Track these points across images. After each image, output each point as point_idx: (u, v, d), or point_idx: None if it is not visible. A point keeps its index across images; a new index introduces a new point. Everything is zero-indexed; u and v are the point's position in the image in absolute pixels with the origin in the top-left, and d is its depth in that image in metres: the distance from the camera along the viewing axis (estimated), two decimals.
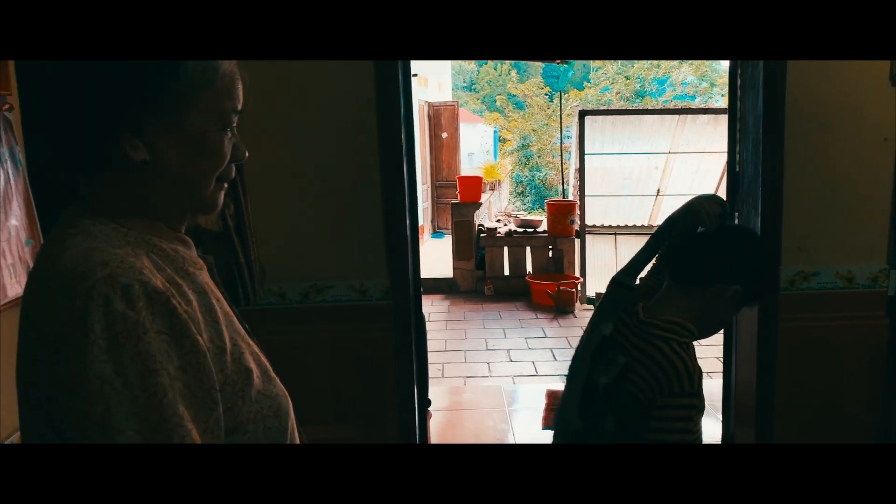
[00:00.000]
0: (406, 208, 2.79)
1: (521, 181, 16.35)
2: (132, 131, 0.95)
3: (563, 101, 12.37)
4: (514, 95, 18.78)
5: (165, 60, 0.95)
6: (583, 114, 7.96)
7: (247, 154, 1.05)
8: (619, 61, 17.16)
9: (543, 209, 9.66)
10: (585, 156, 7.69)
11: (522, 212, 12.36)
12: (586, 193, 7.64)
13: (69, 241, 0.93)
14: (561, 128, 10.42)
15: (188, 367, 0.88)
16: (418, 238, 2.92)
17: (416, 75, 8.98)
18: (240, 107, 1.03)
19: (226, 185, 1.06)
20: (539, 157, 16.24)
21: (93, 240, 0.92)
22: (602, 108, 14.07)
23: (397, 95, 2.72)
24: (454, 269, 7.78)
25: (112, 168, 0.97)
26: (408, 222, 2.81)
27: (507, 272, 7.60)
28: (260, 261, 2.64)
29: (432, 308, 7.06)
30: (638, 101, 17.03)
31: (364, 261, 2.78)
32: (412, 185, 2.89)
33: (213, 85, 0.99)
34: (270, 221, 2.73)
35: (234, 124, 1.04)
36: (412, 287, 2.91)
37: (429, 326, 5.52)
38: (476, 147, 15.60)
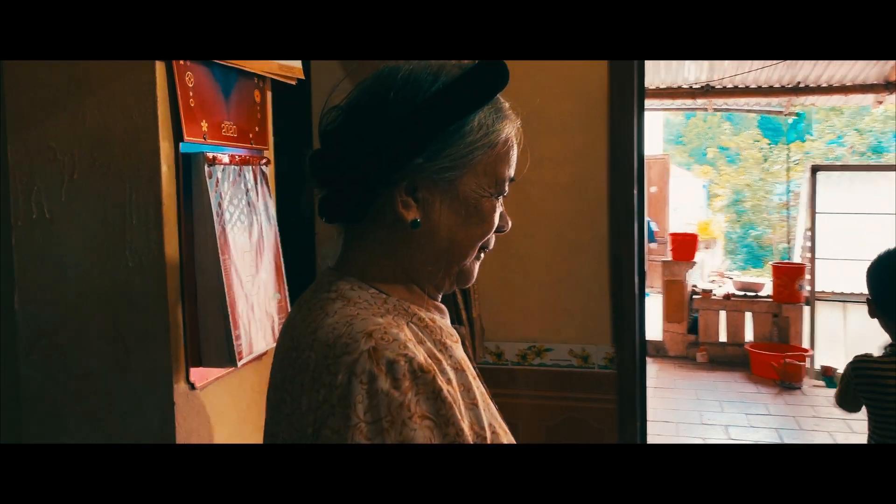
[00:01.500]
0: (635, 269, 2.56)
1: (733, 239, 15.34)
2: (406, 187, 0.87)
3: (788, 154, 11.50)
4: (726, 148, 17.82)
5: (452, 115, 0.87)
6: (815, 168, 7.26)
7: (510, 224, 0.95)
8: (847, 113, 15.74)
9: (758, 269, 8.90)
10: (818, 215, 6.97)
11: (735, 272, 11.54)
12: (817, 256, 6.90)
13: (329, 307, 0.85)
14: (788, 183, 9.64)
15: None
16: (645, 303, 2.67)
17: None
18: (513, 174, 0.93)
19: (482, 256, 0.96)
20: (753, 213, 15.18)
21: (353, 306, 0.84)
22: (832, 162, 12.90)
23: (632, 147, 2.53)
24: (663, 331, 7.32)
25: (381, 225, 0.89)
26: (636, 284, 2.58)
27: (722, 338, 7.02)
28: (480, 318, 2.53)
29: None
30: (876, 156, 15.44)
31: (587, 324, 2.58)
32: (640, 245, 2.67)
33: (494, 147, 0.89)
34: (490, 277, 2.62)
35: (506, 193, 0.93)
36: (638, 355, 2.66)
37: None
38: (683, 202, 14.93)
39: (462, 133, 0.88)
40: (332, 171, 0.90)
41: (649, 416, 5.40)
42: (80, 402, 1.16)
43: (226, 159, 1.24)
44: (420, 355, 0.79)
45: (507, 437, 0.91)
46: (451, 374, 0.85)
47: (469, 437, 0.80)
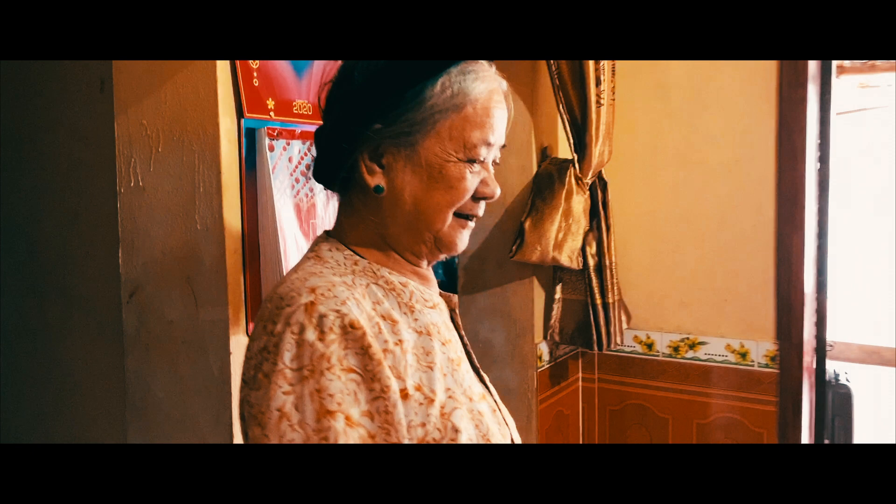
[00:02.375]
0: (804, 256, 2.29)
1: None
2: (371, 153, 0.90)
3: None
4: None
5: (407, 81, 0.89)
6: None
7: (497, 193, 0.93)
8: None
9: None
10: None
11: None
12: None
13: (302, 265, 0.91)
14: None
15: (375, 413, 0.78)
16: (826, 293, 2.38)
17: None
18: (494, 140, 0.91)
19: (470, 223, 0.94)
20: None
21: (320, 265, 0.89)
22: None
23: (803, 122, 2.26)
24: None
25: (357, 191, 0.93)
26: (805, 273, 2.31)
27: None
28: (623, 304, 2.43)
29: (880, 385, 5.85)
30: None
31: (747, 317, 2.36)
32: (822, 233, 2.38)
33: (460, 111, 0.88)
34: (640, 262, 2.50)
35: (486, 158, 0.92)
36: (816, 357, 2.38)
37: (868, 409, 4.55)
38: None
39: (421, 98, 0.88)
40: (316, 139, 0.96)
41: (868, 435, 4.74)
42: (162, 345, 1.34)
43: (295, 134, 1.34)
44: (355, 313, 0.81)
45: (470, 407, 0.90)
46: (408, 336, 0.86)
47: (396, 394, 0.81)
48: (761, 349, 2.34)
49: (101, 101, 1.43)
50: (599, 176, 2.27)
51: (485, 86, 0.90)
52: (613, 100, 2.21)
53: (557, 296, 2.37)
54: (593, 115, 2.12)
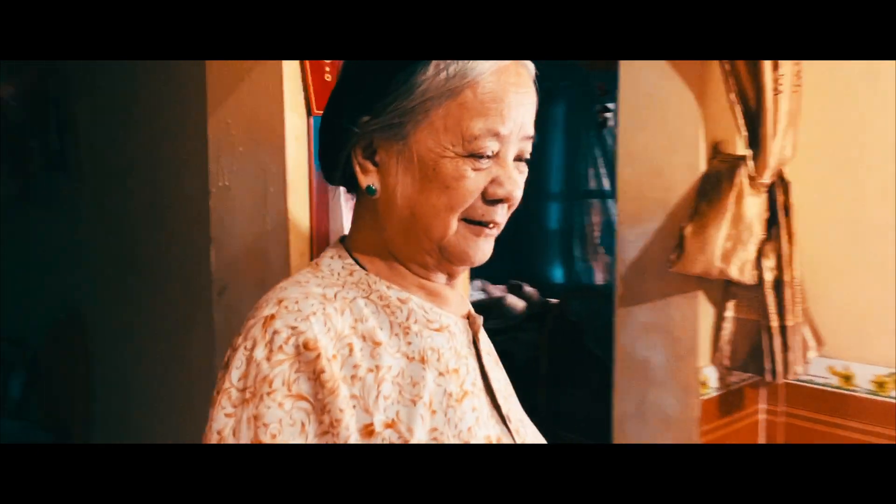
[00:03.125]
0: None
1: None
2: (365, 147, 0.79)
3: None
4: None
5: (394, 64, 0.77)
6: None
7: (514, 195, 0.77)
8: None
9: None
10: None
11: None
12: None
13: (300, 273, 0.83)
14: None
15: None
16: None
17: None
18: (507, 130, 0.74)
19: (487, 230, 0.79)
20: None
21: (312, 273, 0.80)
22: None
23: None
24: None
25: (360, 193, 0.83)
26: None
27: None
28: (812, 328, 2.05)
29: None
30: None
31: None
32: None
33: (456, 96, 0.74)
34: (836, 280, 2.10)
35: (502, 153, 0.76)
36: None
37: None
38: None
39: (412, 83, 0.75)
40: (316, 134, 0.88)
41: None
42: None
43: None
44: (316, 331, 0.71)
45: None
46: (392, 361, 0.74)
47: (349, 430, 0.70)
48: None
49: (194, 101, 1.46)
50: (781, 176, 1.93)
51: (491, 64, 0.75)
52: (798, 86, 1.86)
53: (729, 314, 2.06)
54: (769, 104, 1.80)
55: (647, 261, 2.16)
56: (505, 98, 0.75)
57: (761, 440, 2.27)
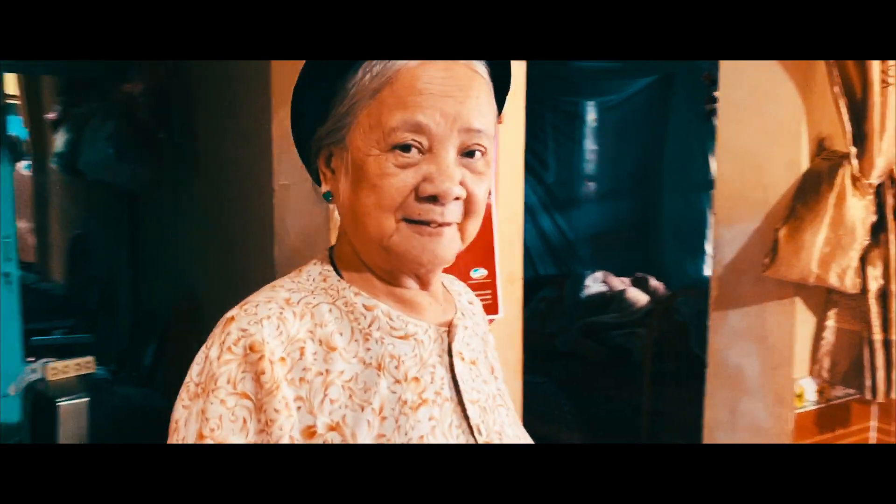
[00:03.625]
0: None
1: None
2: (326, 156, 0.82)
3: None
4: None
5: (333, 67, 0.79)
6: None
7: (447, 192, 0.73)
8: None
9: None
10: None
11: None
12: None
13: (283, 278, 0.87)
14: None
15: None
16: None
17: None
18: (433, 122, 0.73)
19: (430, 229, 0.76)
20: None
21: (290, 278, 0.84)
22: None
23: None
24: None
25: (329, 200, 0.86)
26: None
27: None
28: None
29: None
30: None
31: None
32: None
33: (379, 93, 0.76)
34: None
35: (434, 148, 0.74)
36: None
37: None
38: None
39: (346, 89, 0.76)
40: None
41: None
42: None
43: None
44: (265, 334, 0.73)
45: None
46: (345, 367, 0.76)
47: (282, 430, 0.71)
48: None
49: (260, 100, 1.53)
50: (892, 176, 1.76)
51: (414, 62, 0.75)
52: None
53: (830, 323, 1.91)
54: (876, 98, 1.65)
55: (744, 263, 2.04)
56: (425, 90, 0.73)
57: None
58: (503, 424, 0.85)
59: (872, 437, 2.09)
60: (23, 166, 5.48)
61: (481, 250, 1.44)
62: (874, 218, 1.78)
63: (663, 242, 5.51)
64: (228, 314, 0.76)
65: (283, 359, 0.73)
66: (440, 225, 0.76)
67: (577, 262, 5.44)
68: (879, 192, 1.76)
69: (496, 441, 0.82)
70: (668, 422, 2.95)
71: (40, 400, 2.29)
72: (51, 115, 4.15)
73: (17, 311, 3.05)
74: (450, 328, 0.84)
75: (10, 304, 3.03)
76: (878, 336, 1.77)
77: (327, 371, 0.75)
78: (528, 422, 3.39)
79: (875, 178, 1.73)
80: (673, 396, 2.92)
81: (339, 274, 0.82)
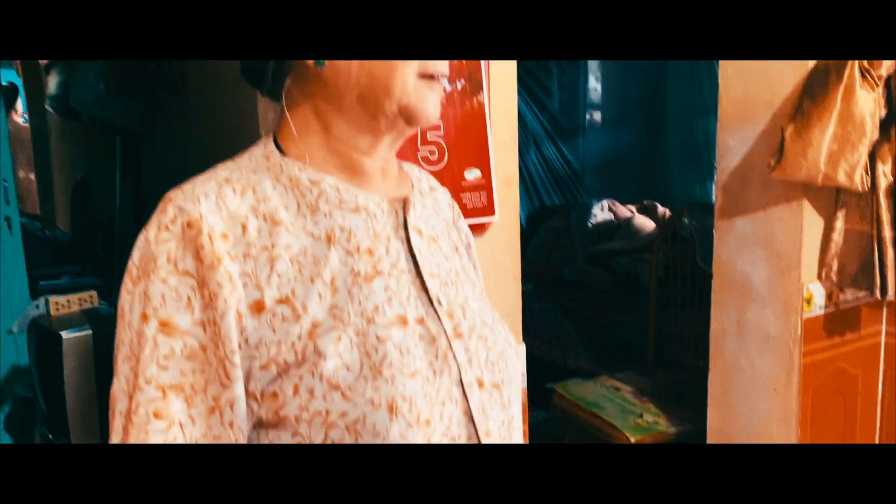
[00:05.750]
0: None
1: None
2: None
3: None
4: None
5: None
6: None
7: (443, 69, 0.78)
8: None
9: None
10: None
11: None
12: None
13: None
14: None
15: (207, 323, 0.70)
16: None
17: None
18: None
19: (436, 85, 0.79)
20: None
21: (231, 161, 0.82)
22: None
23: None
24: None
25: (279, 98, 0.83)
26: None
27: None
28: None
29: None
30: None
31: None
32: None
33: None
34: None
35: None
36: None
37: None
38: None
39: None
40: None
41: None
42: None
43: None
44: (203, 210, 0.71)
45: (369, 328, 0.72)
46: (292, 241, 0.74)
47: (227, 305, 0.69)
48: None
49: None
50: None
51: None
52: None
53: (839, 225, 1.87)
54: None
55: (750, 168, 1.99)
56: None
57: (882, 364, 2.08)
58: (467, 298, 0.83)
59: (882, 342, 2.07)
60: (21, 120, 5.43)
61: (475, 151, 1.39)
62: (883, 112, 1.71)
63: (670, 168, 5.43)
64: (166, 195, 0.74)
65: (224, 235, 0.72)
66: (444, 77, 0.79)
67: (583, 192, 5.37)
68: (889, 85, 1.70)
69: (458, 313, 0.80)
70: (675, 342, 2.93)
71: (44, 334, 2.29)
72: (43, 60, 4.07)
73: (21, 254, 3.04)
74: (405, 203, 0.82)
75: (13, 248, 3.01)
76: (887, 233, 1.73)
77: (273, 245, 0.73)
78: (535, 347, 3.38)
79: (885, 70, 1.66)
80: (679, 317, 2.90)
81: (283, 153, 0.80)
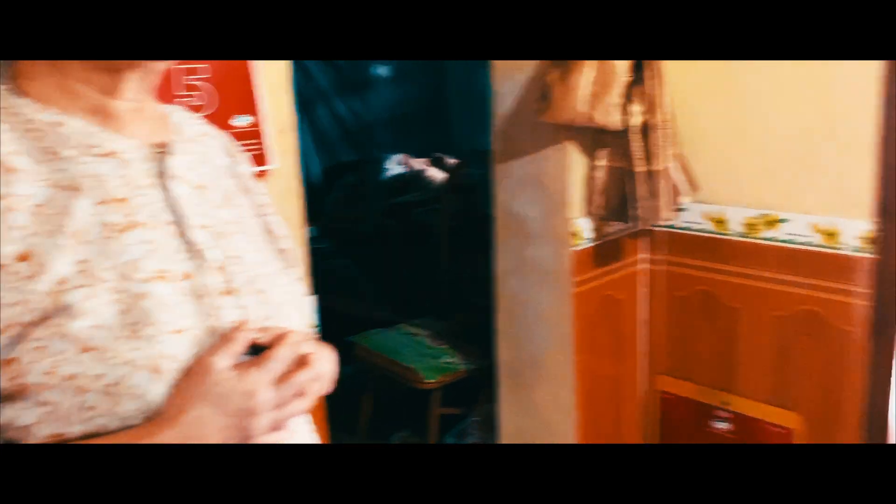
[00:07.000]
0: None
1: None
2: None
3: None
4: None
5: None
6: None
7: None
8: None
9: None
10: None
11: None
12: None
13: None
14: None
15: None
16: None
17: None
18: None
19: None
20: None
21: None
22: None
23: None
24: None
25: None
26: None
27: None
28: (685, 172, 2.03)
29: None
30: None
31: (839, 191, 1.89)
32: None
33: None
34: (712, 122, 2.06)
35: None
36: None
37: None
38: None
39: None
40: None
41: None
42: None
43: None
44: None
45: (126, 284, 0.67)
46: (31, 190, 0.66)
47: None
48: (854, 229, 1.88)
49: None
50: None
51: None
52: None
53: (600, 163, 2.03)
54: None
55: (521, 114, 2.09)
56: None
57: (642, 289, 2.30)
58: (244, 250, 0.79)
59: (643, 269, 2.29)
60: None
61: (242, 97, 1.34)
62: None
63: (453, 119, 5.59)
64: None
65: None
66: None
67: (375, 147, 5.39)
68: None
69: (231, 268, 0.76)
70: (466, 286, 3.07)
71: None
72: None
73: None
74: (166, 148, 0.77)
75: None
76: (640, 168, 1.90)
77: (8, 195, 0.65)
78: (336, 302, 3.34)
79: None
80: (469, 261, 3.02)
81: (21, 93, 0.71)
